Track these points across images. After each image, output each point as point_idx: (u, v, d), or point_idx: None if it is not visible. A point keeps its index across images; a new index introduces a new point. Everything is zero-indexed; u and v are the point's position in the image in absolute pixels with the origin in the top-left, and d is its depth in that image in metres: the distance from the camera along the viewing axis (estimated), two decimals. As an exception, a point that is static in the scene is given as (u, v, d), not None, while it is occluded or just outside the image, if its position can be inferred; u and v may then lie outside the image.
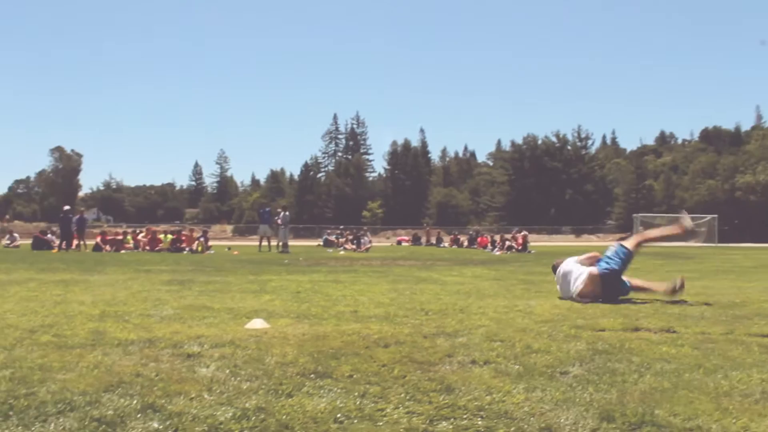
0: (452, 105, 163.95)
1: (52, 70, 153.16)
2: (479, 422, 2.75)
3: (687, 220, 7.53)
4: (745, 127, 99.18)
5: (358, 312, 6.05)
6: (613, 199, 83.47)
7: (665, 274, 10.94)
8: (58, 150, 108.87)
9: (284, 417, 2.77)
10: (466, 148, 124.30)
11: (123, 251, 23.19)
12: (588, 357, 3.98)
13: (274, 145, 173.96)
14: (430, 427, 2.70)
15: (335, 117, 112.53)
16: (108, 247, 23.78)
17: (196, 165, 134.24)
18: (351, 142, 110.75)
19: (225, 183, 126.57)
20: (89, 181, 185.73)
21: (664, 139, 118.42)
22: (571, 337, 4.70)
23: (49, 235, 26.59)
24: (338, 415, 2.80)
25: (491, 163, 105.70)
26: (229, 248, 28.82)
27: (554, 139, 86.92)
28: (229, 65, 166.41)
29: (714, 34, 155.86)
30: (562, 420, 2.75)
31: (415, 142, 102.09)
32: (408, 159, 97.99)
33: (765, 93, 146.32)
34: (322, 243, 34.32)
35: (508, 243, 28.48)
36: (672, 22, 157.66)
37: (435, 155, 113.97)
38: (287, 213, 26.12)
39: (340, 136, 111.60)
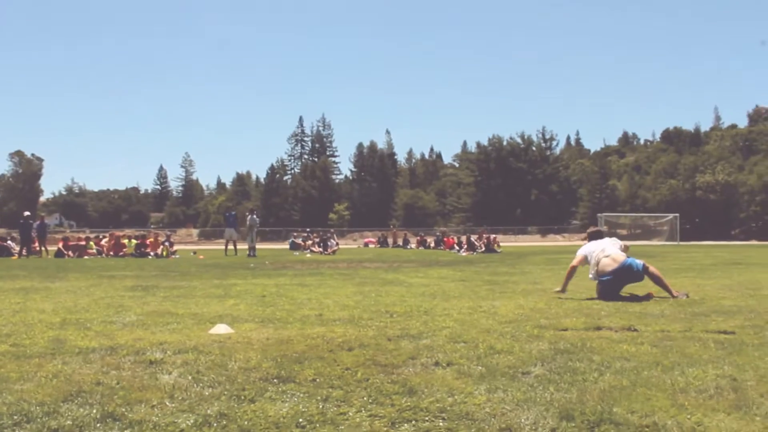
0: (418, 106, 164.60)
1: (10, 72, 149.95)
2: (441, 424, 2.77)
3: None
4: (705, 127, 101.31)
5: (323, 315, 6.05)
6: (577, 199, 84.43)
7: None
8: (18, 154, 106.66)
9: (246, 423, 2.76)
10: (432, 150, 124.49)
11: (86, 257, 22.81)
12: (550, 357, 4.04)
13: (240, 147, 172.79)
14: (392, 429, 2.72)
15: (301, 119, 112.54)
16: (70, 253, 23.36)
17: (161, 168, 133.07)
18: (317, 145, 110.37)
19: (190, 186, 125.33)
20: (51, 185, 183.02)
21: (627, 140, 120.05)
22: (534, 337, 4.76)
23: (9, 242, 26.03)
24: (300, 420, 2.80)
25: (457, 165, 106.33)
26: (195, 252, 28.55)
27: (519, 140, 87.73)
28: (194, 67, 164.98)
29: (674, 34, 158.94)
30: (522, 420, 2.79)
31: (381, 144, 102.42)
32: (374, 161, 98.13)
33: (724, 94, 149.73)
34: (288, 246, 34.16)
35: (475, 243, 28.60)
36: (633, 24, 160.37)
37: (401, 157, 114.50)
38: (255, 216, 25.85)
39: (306, 139, 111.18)
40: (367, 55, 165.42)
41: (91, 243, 25.54)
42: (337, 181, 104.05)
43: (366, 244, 44.29)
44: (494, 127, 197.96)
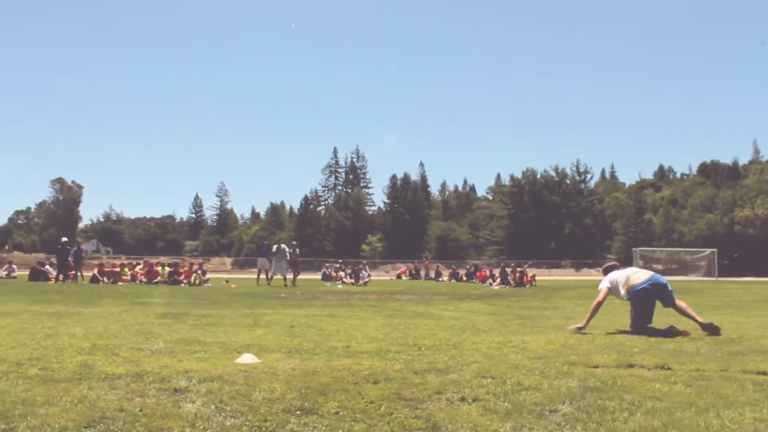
0: (452, 139, 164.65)
1: (53, 100, 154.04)
2: (464, 461, 2.70)
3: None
4: (743, 160, 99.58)
5: (350, 347, 6.01)
6: (612, 233, 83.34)
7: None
8: (59, 181, 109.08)
9: (266, 455, 2.73)
10: (465, 182, 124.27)
11: (120, 283, 23.10)
12: (579, 394, 3.94)
13: (275, 178, 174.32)
14: (414, 466, 2.66)
15: (335, 150, 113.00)
16: (105, 279, 23.69)
17: (197, 197, 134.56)
18: (351, 176, 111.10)
19: (225, 216, 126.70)
20: (89, 212, 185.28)
21: (662, 173, 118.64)
22: (563, 373, 4.65)
23: (47, 267, 26.53)
24: (321, 454, 2.76)
25: (491, 197, 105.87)
26: (227, 281, 28.72)
27: (553, 173, 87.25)
28: (231, 98, 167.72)
29: (712, 68, 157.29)
30: (548, 459, 2.71)
31: (414, 176, 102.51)
32: (408, 193, 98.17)
33: (762, 127, 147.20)
34: (320, 276, 34.21)
35: (508, 276, 28.26)
36: (668, 58, 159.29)
37: (435, 189, 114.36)
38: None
39: (340, 170, 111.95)
40: (402, 88, 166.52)
41: (126, 269, 25.89)
42: (370, 212, 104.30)
43: (398, 276, 44.13)
44: (528, 160, 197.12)
